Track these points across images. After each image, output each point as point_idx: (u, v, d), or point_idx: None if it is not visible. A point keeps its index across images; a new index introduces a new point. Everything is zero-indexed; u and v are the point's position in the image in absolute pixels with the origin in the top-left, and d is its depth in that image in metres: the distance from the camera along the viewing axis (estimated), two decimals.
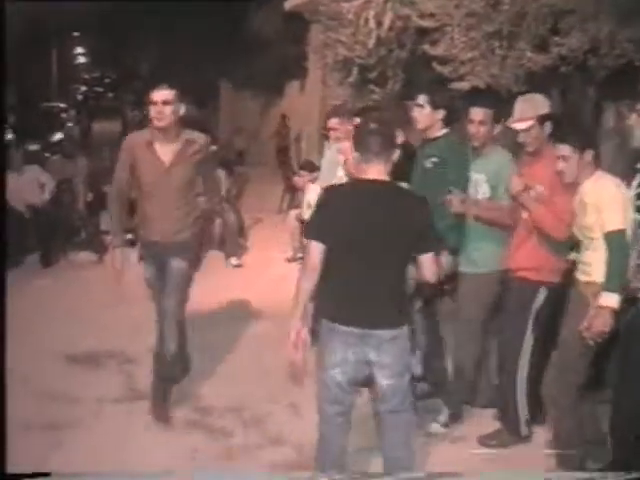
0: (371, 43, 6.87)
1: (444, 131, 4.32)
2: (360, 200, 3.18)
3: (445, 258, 4.06)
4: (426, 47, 6.05)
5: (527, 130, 3.97)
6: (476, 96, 4.45)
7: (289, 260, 8.26)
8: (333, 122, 5.49)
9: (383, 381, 3.14)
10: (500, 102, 5.07)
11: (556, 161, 3.71)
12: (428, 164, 4.25)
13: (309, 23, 14.48)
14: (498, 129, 4.30)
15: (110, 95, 33.54)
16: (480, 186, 4.22)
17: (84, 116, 26.92)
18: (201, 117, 17.49)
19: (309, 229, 3.26)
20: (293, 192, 10.15)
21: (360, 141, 3.23)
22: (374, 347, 3.10)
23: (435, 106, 4.28)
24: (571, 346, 3.67)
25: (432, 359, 4.35)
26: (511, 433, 4.06)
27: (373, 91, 7.64)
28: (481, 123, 4.18)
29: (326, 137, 6.16)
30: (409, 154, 4.38)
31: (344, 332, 3.10)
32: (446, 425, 4.24)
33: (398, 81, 7.57)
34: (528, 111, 3.99)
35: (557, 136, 3.87)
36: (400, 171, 4.01)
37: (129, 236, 8.76)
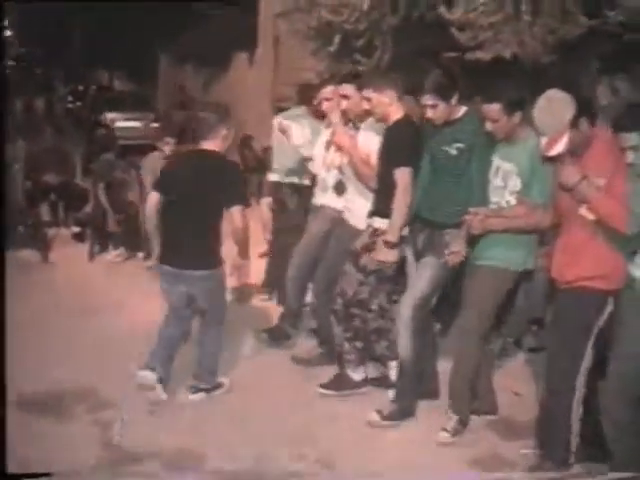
0: (365, 5, 5.91)
1: (464, 110, 3.78)
2: (186, 164, 4.21)
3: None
4: (442, 10, 5.13)
5: (565, 148, 3.28)
6: (488, 90, 3.71)
7: (262, 255, 7.04)
8: (326, 92, 4.73)
9: (200, 305, 4.17)
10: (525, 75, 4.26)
11: (611, 148, 3.20)
12: (453, 151, 3.74)
13: None
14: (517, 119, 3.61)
15: (38, 70, 31.37)
16: (509, 178, 3.65)
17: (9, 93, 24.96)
18: (141, 92, 16.31)
19: (153, 183, 4.36)
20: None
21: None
22: (187, 284, 4.06)
23: (446, 97, 3.73)
24: (631, 356, 3.20)
25: (423, 362, 4.01)
26: (557, 462, 3.48)
27: (358, 61, 6.72)
28: (493, 121, 3.61)
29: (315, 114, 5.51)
30: (410, 134, 3.97)
31: (165, 270, 4.11)
32: (455, 433, 3.79)
33: (387, 51, 6.67)
34: (556, 125, 3.26)
35: (619, 124, 3.16)
36: (402, 154, 3.88)
37: (77, 229, 7.83)
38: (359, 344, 4.20)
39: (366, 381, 4.28)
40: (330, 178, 4.74)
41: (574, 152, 3.30)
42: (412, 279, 3.99)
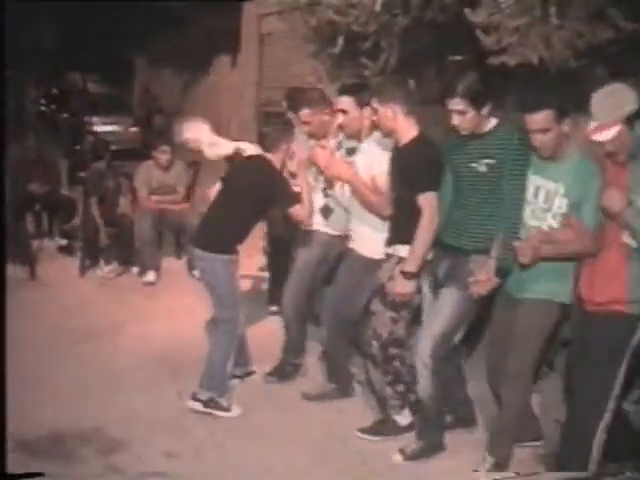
0: (378, 6, 5.59)
1: (494, 122, 3.44)
2: (235, 167, 4.72)
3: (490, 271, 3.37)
4: (467, 11, 4.83)
5: (614, 140, 3.04)
6: (529, 99, 3.43)
7: (262, 269, 6.63)
8: (305, 114, 4.48)
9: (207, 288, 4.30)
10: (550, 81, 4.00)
11: None
12: (482, 167, 3.38)
13: None
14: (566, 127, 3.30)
15: (8, 73, 30.30)
16: (553, 199, 3.31)
17: None
18: (120, 96, 15.84)
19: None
20: None
21: None
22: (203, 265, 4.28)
23: (478, 105, 3.39)
24: None
25: (452, 388, 3.74)
26: None
27: (364, 65, 6.40)
28: (544, 131, 3.25)
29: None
30: (431, 155, 3.65)
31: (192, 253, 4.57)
32: (489, 474, 3.47)
33: (393, 54, 6.36)
34: (613, 112, 3.02)
35: None
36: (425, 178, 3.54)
37: (63, 242, 7.38)
38: (402, 387, 3.85)
39: (413, 425, 3.90)
40: (315, 200, 4.41)
41: (617, 155, 3.06)
42: (428, 313, 3.64)
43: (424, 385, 3.57)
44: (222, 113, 13.71)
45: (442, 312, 3.50)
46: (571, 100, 3.46)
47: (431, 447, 3.66)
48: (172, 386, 4.33)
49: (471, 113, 3.40)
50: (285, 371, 4.64)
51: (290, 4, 7.15)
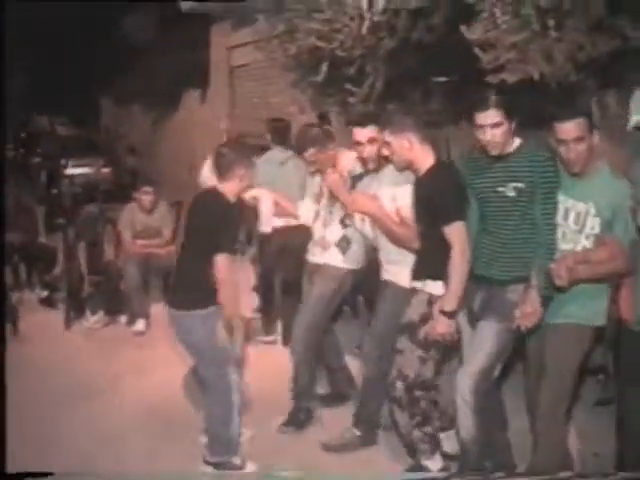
0: (364, 29, 5.41)
1: (518, 142, 3.26)
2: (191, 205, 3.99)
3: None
4: (462, 29, 4.65)
5: None
6: (562, 106, 3.29)
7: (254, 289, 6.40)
8: (310, 154, 4.28)
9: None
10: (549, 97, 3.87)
11: None
12: (510, 192, 3.19)
13: (209, 25, 13.05)
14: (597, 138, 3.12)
15: None
16: (585, 220, 3.16)
17: None
18: (88, 137, 15.49)
19: None
20: None
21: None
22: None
23: (510, 117, 3.25)
24: None
25: (490, 428, 3.44)
26: None
27: (350, 92, 6.20)
28: (578, 141, 3.07)
29: None
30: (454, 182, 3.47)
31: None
32: None
33: (379, 78, 6.18)
34: None
35: None
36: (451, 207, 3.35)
37: (44, 293, 7.01)
38: (430, 429, 3.60)
39: (446, 469, 3.67)
40: (330, 234, 4.21)
41: None
42: (467, 348, 3.43)
43: (466, 425, 3.35)
44: (196, 149, 13.47)
45: (481, 346, 3.31)
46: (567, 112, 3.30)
47: None
48: (184, 443, 4.01)
49: (505, 126, 3.22)
50: (299, 419, 4.34)
51: (268, 32, 6.98)
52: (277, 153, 6.08)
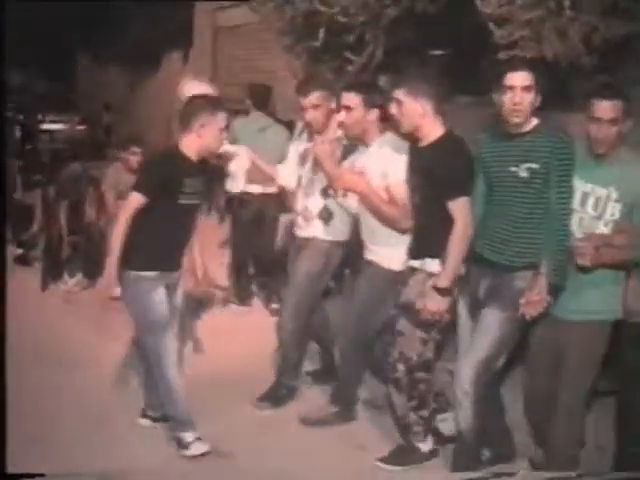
0: None
1: (535, 122, 3.12)
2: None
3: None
4: (477, 2, 4.49)
5: None
6: (601, 86, 3.17)
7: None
8: (315, 97, 3.98)
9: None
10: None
11: None
12: (523, 172, 3.06)
13: None
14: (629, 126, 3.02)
15: None
16: (606, 206, 3.05)
17: None
18: (64, 93, 15.06)
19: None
20: None
21: None
22: None
23: (539, 88, 3.10)
24: None
25: (488, 417, 3.34)
26: None
27: (347, 59, 6.01)
28: (612, 122, 2.95)
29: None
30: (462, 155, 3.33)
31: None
32: None
33: (379, 47, 6.00)
34: None
35: None
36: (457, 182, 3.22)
37: (19, 251, 6.73)
38: (426, 412, 3.52)
39: (436, 451, 3.60)
40: (312, 204, 4.05)
41: None
42: (465, 337, 3.32)
43: (464, 415, 3.25)
44: (173, 112, 13.13)
45: (485, 335, 3.18)
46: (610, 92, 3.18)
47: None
48: None
49: (532, 94, 3.08)
50: (279, 395, 4.22)
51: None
52: (257, 118, 5.95)
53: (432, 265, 3.30)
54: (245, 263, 5.99)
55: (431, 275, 3.30)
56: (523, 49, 4.56)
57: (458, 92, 6.29)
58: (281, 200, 6.09)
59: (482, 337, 3.19)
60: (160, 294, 3.50)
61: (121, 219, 3.40)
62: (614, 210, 3.05)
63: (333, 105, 4.01)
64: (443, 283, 3.22)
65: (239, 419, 4.00)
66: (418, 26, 5.89)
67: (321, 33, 6.08)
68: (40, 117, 12.74)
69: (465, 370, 3.21)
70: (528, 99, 3.09)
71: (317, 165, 3.94)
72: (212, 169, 4.10)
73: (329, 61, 6.63)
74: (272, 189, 5.87)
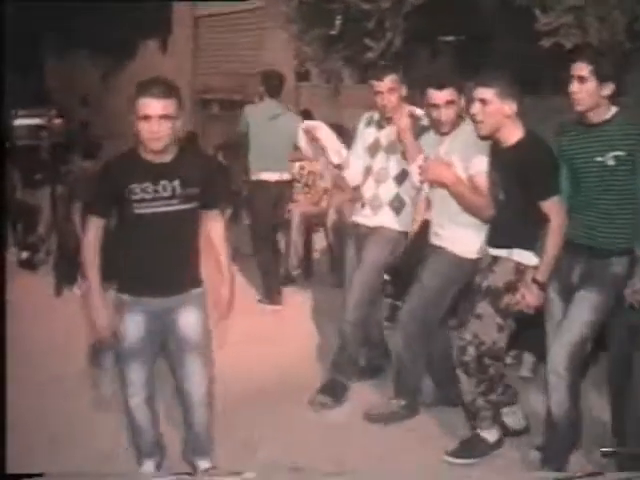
0: None
1: (614, 110, 3.11)
2: None
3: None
4: None
5: None
6: None
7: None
8: (392, 80, 3.87)
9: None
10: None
11: None
12: (610, 161, 3.06)
13: None
14: None
15: None
16: None
17: None
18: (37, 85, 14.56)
19: None
20: None
21: None
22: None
23: (602, 78, 3.05)
24: None
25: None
26: None
27: (366, 47, 5.88)
28: None
29: None
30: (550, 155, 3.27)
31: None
32: None
33: (398, 34, 5.88)
34: None
35: None
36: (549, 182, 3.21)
37: (25, 255, 6.40)
38: (494, 397, 3.45)
39: (501, 441, 3.53)
40: (383, 192, 3.97)
41: None
42: (556, 320, 3.29)
43: (558, 400, 3.22)
44: None
45: (580, 318, 3.17)
46: None
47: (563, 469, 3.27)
48: None
49: (593, 84, 3.05)
50: (336, 392, 4.09)
51: None
52: (269, 106, 5.78)
53: (524, 256, 3.30)
54: (268, 258, 5.80)
55: (519, 264, 3.30)
56: (565, 36, 4.52)
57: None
58: (290, 187, 6.07)
59: (576, 320, 3.19)
60: (136, 321, 2.97)
61: (85, 245, 2.97)
62: None
63: (404, 91, 3.91)
64: (542, 277, 3.22)
65: (298, 427, 3.85)
66: (445, 13, 5.79)
67: (338, 20, 5.96)
68: (14, 112, 12.24)
69: (560, 353, 3.18)
70: (585, 89, 3.08)
71: (390, 149, 3.92)
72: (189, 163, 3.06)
73: (343, 49, 6.52)
74: (287, 176, 5.87)
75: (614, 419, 3.44)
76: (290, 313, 5.59)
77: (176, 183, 2.88)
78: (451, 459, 3.47)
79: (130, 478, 3.18)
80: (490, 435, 3.50)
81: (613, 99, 3.13)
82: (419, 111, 3.93)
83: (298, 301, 5.84)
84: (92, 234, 2.93)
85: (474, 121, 3.30)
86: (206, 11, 11.77)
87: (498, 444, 3.52)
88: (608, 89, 3.08)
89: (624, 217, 3.13)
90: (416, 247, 3.92)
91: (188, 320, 3.01)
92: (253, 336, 4.88)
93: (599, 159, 3.10)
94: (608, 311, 3.19)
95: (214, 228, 3.11)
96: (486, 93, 3.21)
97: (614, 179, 3.10)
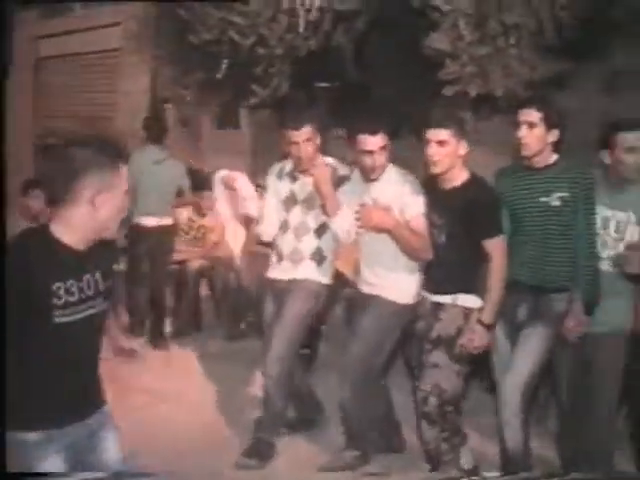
0: (301, 26, 5.05)
1: (555, 157, 3.31)
2: None
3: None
4: (430, 39, 4.52)
5: None
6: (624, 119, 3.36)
7: None
8: (306, 132, 3.73)
9: None
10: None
11: None
12: (555, 202, 3.23)
13: (12, 10, 11.55)
14: None
15: None
16: (626, 228, 3.31)
17: None
18: None
19: None
20: None
21: None
22: None
23: (550, 125, 3.22)
24: None
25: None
26: None
27: (253, 93, 5.78)
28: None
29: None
30: (494, 195, 3.36)
31: None
32: None
33: (284, 79, 5.84)
34: None
35: None
36: (493, 222, 3.28)
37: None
38: (457, 440, 3.47)
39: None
40: (304, 246, 3.85)
41: None
42: (504, 359, 3.36)
43: (513, 435, 3.26)
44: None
45: (529, 355, 3.25)
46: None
47: None
48: None
49: (541, 129, 3.18)
50: (262, 452, 3.83)
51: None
52: (153, 151, 5.79)
53: (469, 300, 3.33)
54: (158, 300, 5.62)
55: (466, 309, 3.31)
56: (467, 85, 4.68)
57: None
58: (175, 231, 6.00)
59: (526, 357, 3.25)
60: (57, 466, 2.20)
61: None
62: (633, 232, 3.26)
63: (319, 140, 3.78)
64: (489, 319, 3.26)
65: None
66: (323, 61, 5.84)
67: (224, 64, 5.81)
68: None
69: (513, 392, 3.22)
70: (533, 134, 3.20)
71: (308, 202, 3.81)
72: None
73: (223, 94, 6.36)
74: (167, 221, 5.81)
75: (560, 447, 3.59)
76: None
77: (97, 277, 2.20)
78: None
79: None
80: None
81: (556, 145, 3.26)
82: (332, 160, 3.86)
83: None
84: None
85: (430, 162, 3.28)
86: (48, 53, 11.15)
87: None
88: (554, 135, 3.22)
89: (565, 255, 3.26)
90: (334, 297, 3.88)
91: (110, 442, 2.34)
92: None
93: (543, 199, 3.23)
94: (553, 347, 3.28)
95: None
96: (442, 134, 3.22)
97: (558, 219, 3.23)
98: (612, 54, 5.12)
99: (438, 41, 4.52)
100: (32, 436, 2.10)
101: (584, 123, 4.23)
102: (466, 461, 3.54)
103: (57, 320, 2.08)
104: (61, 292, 2.08)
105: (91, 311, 2.18)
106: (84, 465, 2.24)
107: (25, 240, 2.11)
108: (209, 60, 6.02)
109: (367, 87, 6.01)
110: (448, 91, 4.66)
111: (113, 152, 2.15)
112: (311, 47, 5.38)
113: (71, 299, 2.10)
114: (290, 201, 3.88)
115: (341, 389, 3.64)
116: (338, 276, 4.12)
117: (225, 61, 5.78)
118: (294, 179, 3.89)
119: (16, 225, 2.59)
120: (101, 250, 2.19)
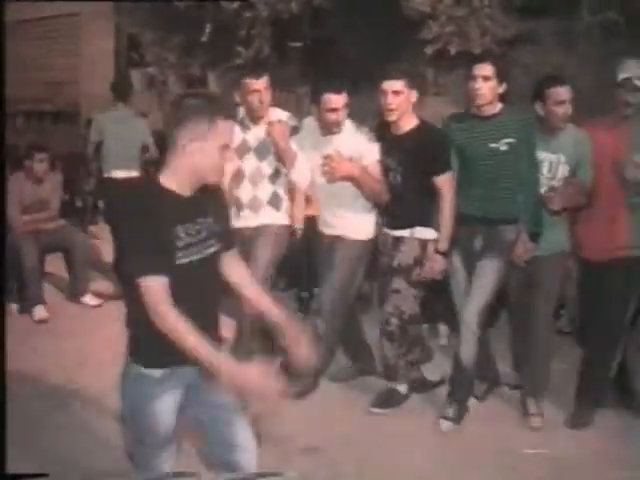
0: None
1: (501, 106, 3.64)
2: None
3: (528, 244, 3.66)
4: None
5: None
6: (554, 75, 3.78)
7: None
8: (264, 81, 3.83)
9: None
10: None
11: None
12: (503, 146, 3.58)
13: None
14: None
15: None
16: (557, 168, 3.75)
17: None
18: None
19: None
20: None
21: None
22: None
23: (501, 78, 3.56)
24: None
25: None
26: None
27: (237, 54, 6.07)
28: (565, 103, 3.59)
29: None
30: (444, 136, 3.68)
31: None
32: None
33: (265, 42, 6.14)
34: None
35: None
36: (443, 160, 3.59)
37: None
38: (412, 357, 3.95)
39: (409, 394, 3.98)
40: (261, 193, 4.04)
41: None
42: (461, 284, 3.81)
43: (467, 351, 3.72)
44: None
45: (486, 281, 3.66)
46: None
47: (465, 409, 3.80)
48: None
49: (494, 82, 3.53)
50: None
51: None
52: (120, 111, 6.02)
53: (424, 232, 3.75)
54: None
55: (422, 241, 3.75)
56: (448, 44, 5.07)
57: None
58: None
59: (483, 283, 3.66)
60: (169, 403, 2.41)
61: (164, 316, 2.19)
62: (564, 171, 3.68)
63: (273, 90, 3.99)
64: (443, 247, 3.69)
65: None
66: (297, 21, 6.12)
67: (207, 28, 6.05)
68: None
69: (472, 312, 3.66)
70: (487, 86, 3.54)
71: (262, 152, 3.95)
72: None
73: (205, 56, 6.60)
74: (135, 174, 5.92)
75: (515, 359, 4.00)
76: None
77: (210, 220, 2.39)
78: (375, 410, 3.81)
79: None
80: (402, 388, 3.93)
81: (503, 97, 3.59)
82: (283, 113, 4.01)
83: None
84: (160, 301, 2.22)
85: (387, 110, 3.59)
86: (17, 17, 10.99)
87: (408, 395, 3.95)
88: (503, 88, 3.56)
89: (512, 192, 3.64)
90: (305, 241, 4.24)
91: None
92: None
93: (493, 145, 3.58)
94: (506, 272, 3.69)
95: (240, 273, 2.55)
96: (397, 85, 3.56)
97: (505, 162, 3.59)
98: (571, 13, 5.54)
99: (419, 2, 4.87)
100: (157, 372, 2.31)
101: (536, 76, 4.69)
102: (432, 374, 4.01)
103: (178, 262, 2.26)
104: (181, 234, 2.25)
105: (207, 252, 2.34)
106: (196, 404, 2.40)
107: (136, 190, 2.33)
108: (193, 24, 6.29)
109: (335, 47, 6.33)
110: (429, 50, 5.07)
111: (216, 107, 2.27)
112: (293, 9, 5.71)
113: (190, 240, 2.28)
114: (242, 149, 3.99)
115: (322, 317, 3.95)
116: (310, 220, 4.34)
117: (208, 25, 6.08)
118: (246, 127, 3.99)
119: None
120: (208, 195, 2.35)
